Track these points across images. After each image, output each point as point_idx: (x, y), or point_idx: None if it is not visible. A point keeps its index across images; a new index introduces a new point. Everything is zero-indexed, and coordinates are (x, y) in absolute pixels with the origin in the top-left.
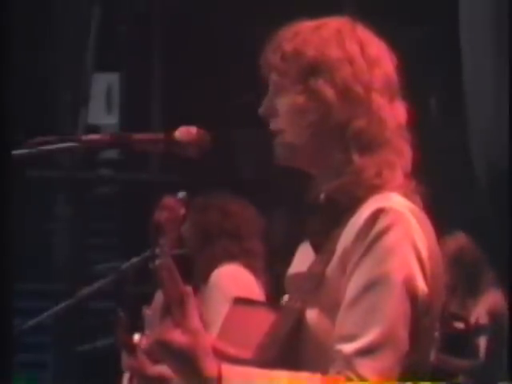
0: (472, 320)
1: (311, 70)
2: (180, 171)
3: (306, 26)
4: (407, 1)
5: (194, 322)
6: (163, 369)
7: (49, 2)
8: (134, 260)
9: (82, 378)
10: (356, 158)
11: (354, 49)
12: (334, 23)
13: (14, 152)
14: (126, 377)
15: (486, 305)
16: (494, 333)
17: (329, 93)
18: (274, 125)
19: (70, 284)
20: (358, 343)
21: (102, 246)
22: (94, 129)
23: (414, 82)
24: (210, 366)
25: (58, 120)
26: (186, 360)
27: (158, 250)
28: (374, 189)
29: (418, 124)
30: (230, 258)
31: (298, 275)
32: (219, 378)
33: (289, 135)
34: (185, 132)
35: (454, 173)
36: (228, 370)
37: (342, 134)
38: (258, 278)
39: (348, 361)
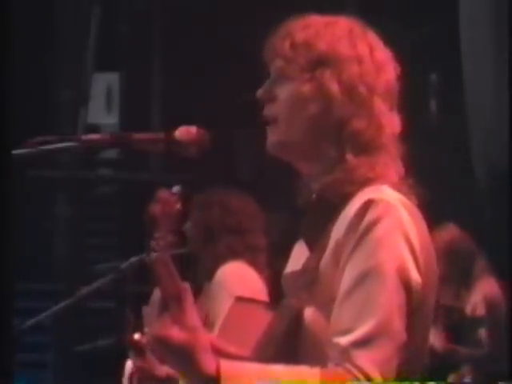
0: (468, 309)
1: (320, 61)
2: (180, 171)
3: (317, 19)
4: (407, 1)
5: (192, 318)
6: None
7: (49, 2)
8: (133, 259)
9: (82, 378)
10: (350, 157)
11: (364, 50)
12: (345, 22)
13: (14, 152)
14: (125, 377)
15: (481, 293)
16: (492, 320)
17: (333, 87)
18: (270, 110)
19: (70, 284)
20: (353, 335)
21: (102, 245)
22: (94, 128)
23: (414, 82)
24: (209, 362)
25: (57, 120)
26: (184, 356)
27: (153, 244)
28: (365, 182)
29: (417, 124)
30: (234, 254)
31: (293, 273)
32: (218, 374)
33: (285, 125)
34: (185, 132)
35: (454, 173)
36: (227, 365)
37: (340, 131)
38: (261, 273)
39: (345, 353)
